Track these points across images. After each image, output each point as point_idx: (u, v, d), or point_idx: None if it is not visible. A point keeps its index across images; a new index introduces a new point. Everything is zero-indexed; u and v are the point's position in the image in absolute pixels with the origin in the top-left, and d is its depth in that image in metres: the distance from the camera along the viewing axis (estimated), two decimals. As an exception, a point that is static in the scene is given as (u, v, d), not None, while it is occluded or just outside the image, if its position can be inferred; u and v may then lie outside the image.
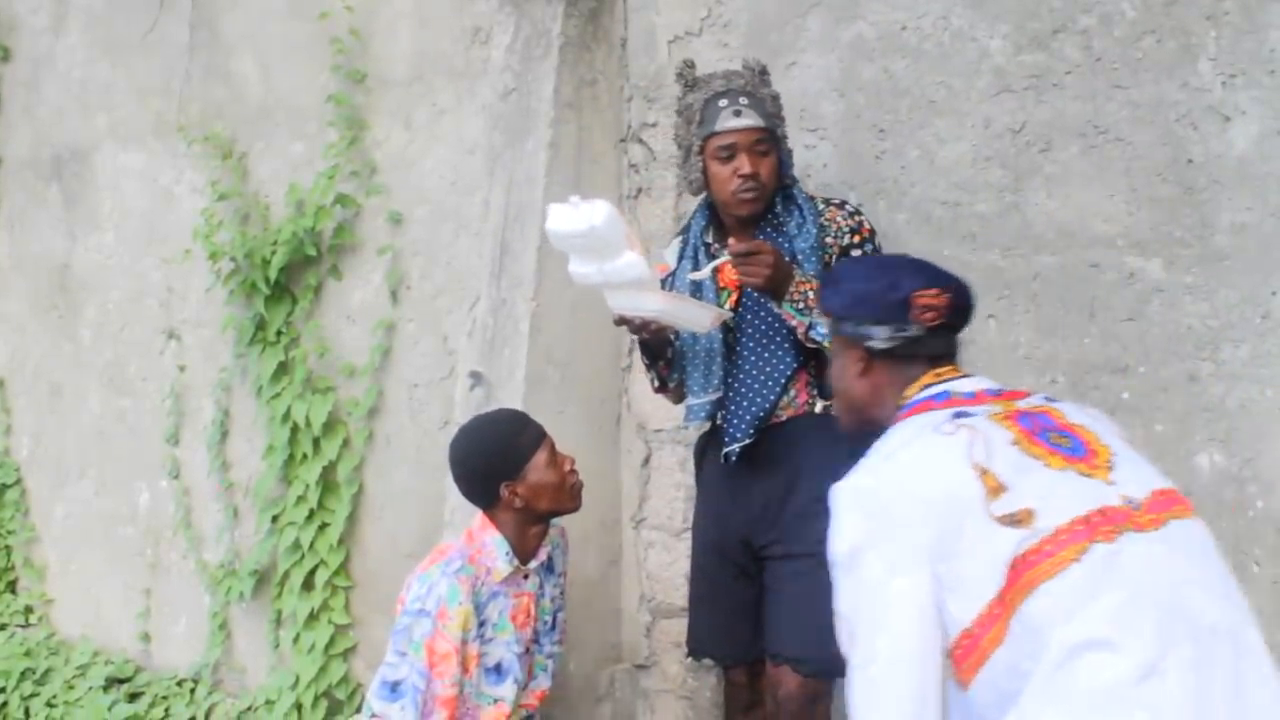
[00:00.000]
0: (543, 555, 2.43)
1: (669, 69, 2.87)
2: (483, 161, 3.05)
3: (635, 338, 2.42)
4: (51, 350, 4.76)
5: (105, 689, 4.18)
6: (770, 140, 2.26)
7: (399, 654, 2.24)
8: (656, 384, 2.45)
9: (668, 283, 2.43)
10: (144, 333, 4.31)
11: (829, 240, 2.27)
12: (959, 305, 1.67)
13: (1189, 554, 1.42)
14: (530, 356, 2.80)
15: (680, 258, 2.42)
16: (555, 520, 2.46)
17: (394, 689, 2.23)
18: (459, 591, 2.24)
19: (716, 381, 2.33)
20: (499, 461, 2.31)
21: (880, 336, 1.64)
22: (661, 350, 2.36)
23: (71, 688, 4.26)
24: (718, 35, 2.81)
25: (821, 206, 2.32)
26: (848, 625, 1.49)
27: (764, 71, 2.32)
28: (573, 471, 2.38)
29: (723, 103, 2.24)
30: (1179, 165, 2.18)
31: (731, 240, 2.21)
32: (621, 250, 2.08)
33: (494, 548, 2.34)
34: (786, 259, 2.19)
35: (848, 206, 2.33)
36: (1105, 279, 2.26)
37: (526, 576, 2.41)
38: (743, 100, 2.23)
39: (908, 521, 1.43)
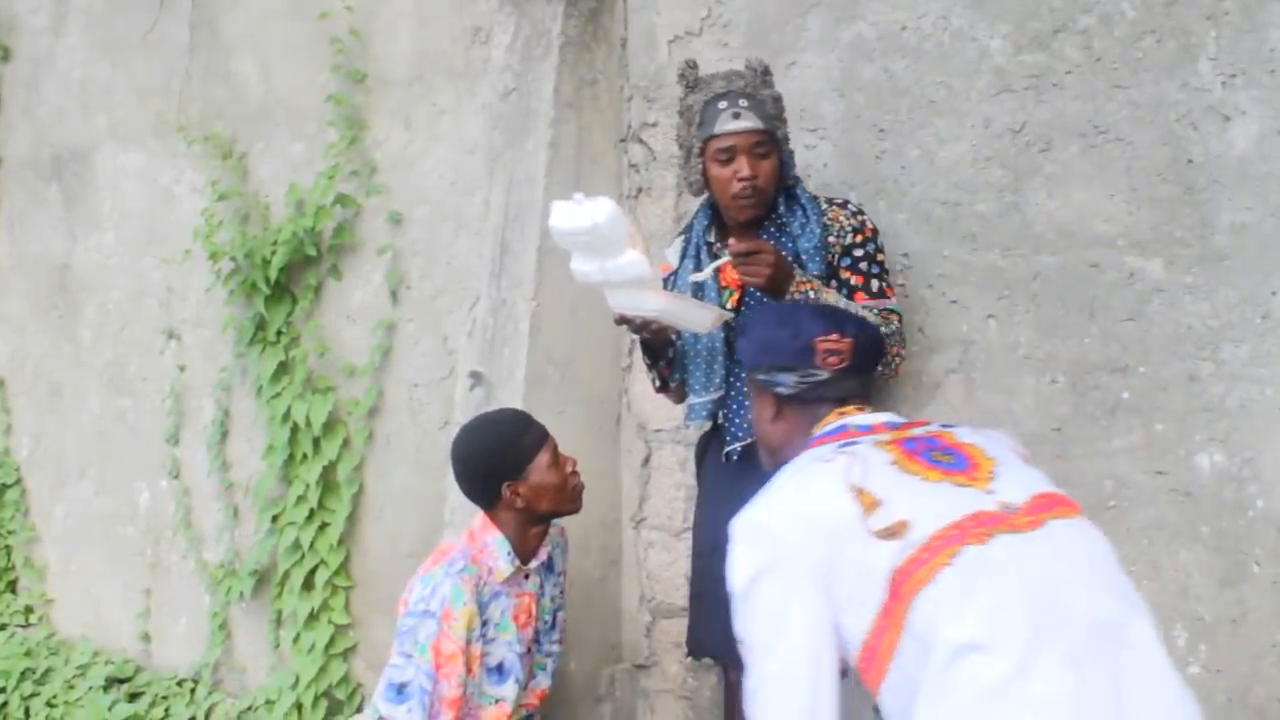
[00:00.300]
0: (543, 555, 2.43)
1: (669, 69, 2.87)
2: (483, 161, 3.05)
3: (636, 338, 2.42)
4: (51, 350, 4.76)
5: (105, 689, 4.18)
6: (770, 142, 2.25)
7: (404, 656, 2.24)
8: (657, 384, 2.45)
9: (670, 282, 2.43)
10: (144, 333, 4.31)
11: (831, 240, 2.27)
12: (862, 348, 1.73)
13: (1068, 552, 1.45)
14: (530, 356, 2.80)
15: (682, 257, 2.42)
16: (555, 520, 2.46)
17: (400, 691, 2.23)
18: (463, 592, 2.24)
19: (718, 381, 2.33)
20: (501, 461, 2.31)
21: (787, 383, 1.71)
22: (663, 350, 2.36)
23: (71, 688, 4.26)
24: (718, 35, 2.81)
25: (825, 206, 2.31)
26: (747, 650, 1.55)
27: (766, 72, 2.30)
28: (574, 473, 2.38)
29: (723, 104, 2.22)
30: (1179, 165, 2.18)
31: (732, 240, 2.21)
32: (624, 248, 2.07)
33: (495, 548, 2.34)
34: (788, 258, 2.19)
35: (850, 206, 2.33)
36: (1105, 279, 2.26)
37: (527, 576, 2.41)
38: (742, 102, 2.21)
39: (796, 548, 1.49)
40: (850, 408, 1.71)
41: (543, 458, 2.32)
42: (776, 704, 1.50)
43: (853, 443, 1.61)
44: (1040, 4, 2.32)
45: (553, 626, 2.55)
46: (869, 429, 1.65)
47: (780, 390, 1.72)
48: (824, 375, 1.70)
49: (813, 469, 1.58)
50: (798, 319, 1.75)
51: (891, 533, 1.44)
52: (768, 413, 1.76)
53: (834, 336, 1.70)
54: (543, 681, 2.55)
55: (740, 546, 1.56)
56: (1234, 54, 2.11)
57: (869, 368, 1.77)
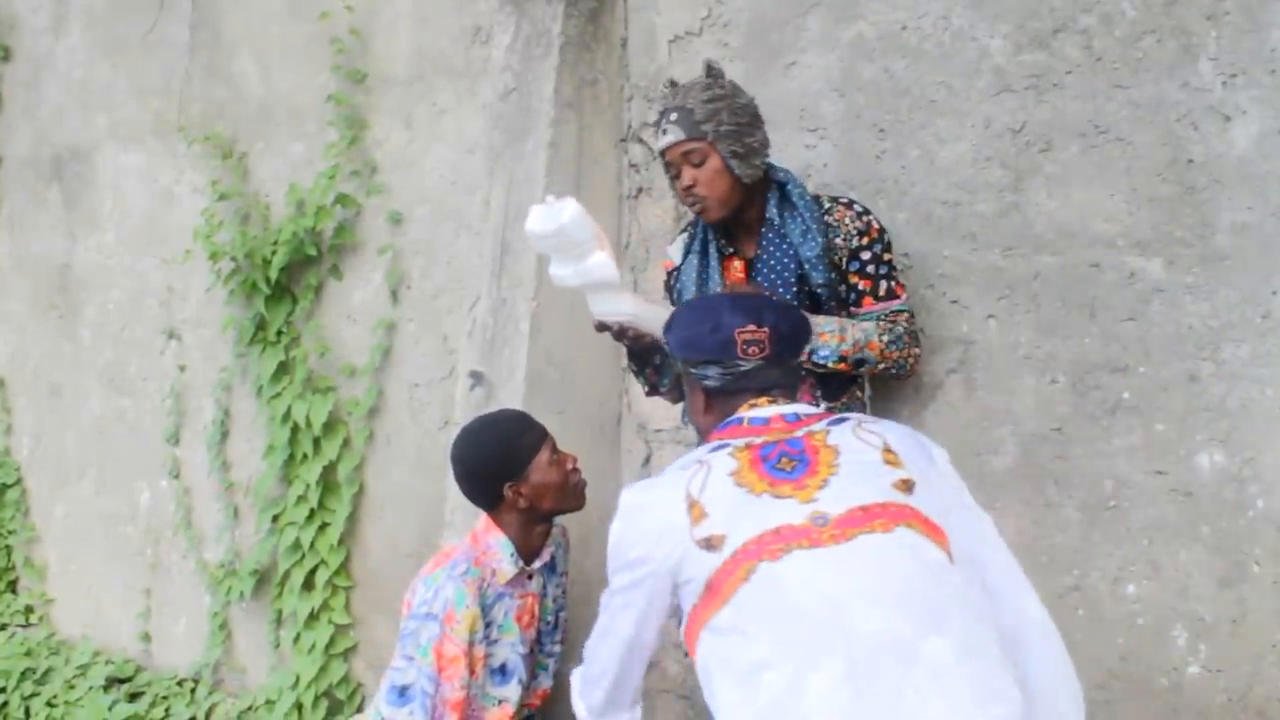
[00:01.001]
0: (546, 555, 2.43)
1: (669, 69, 2.87)
2: (483, 161, 3.05)
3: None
4: (51, 350, 4.77)
5: (105, 689, 4.18)
6: (703, 148, 2.23)
7: (407, 658, 2.24)
8: (647, 388, 2.45)
9: (672, 278, 2.43)
10: (144, 333, 4.31)
11: (839, 242, 2.26)
12: (782, 336, 1.76)
13: (867, 569, 1.48)
14: (530, 356, 2.80)
15: (686, 253, 2.41)
16: (557, 520, 2.46)
17: (402, 694, 2.23)
18: (465, 594, 2.24)
19: None
20: (502, 463, 2.31)
21: (713, 375, 1.75)
22: (648, 356, 2.35)
23: (72, 687, 4.26)
24: (718, 35, 2.81)
25: (828, 205, 2.30)
26: (597, 624, 1.78)
27: (711, 73, 2.29)
28: (575, 470, 2.38)
29: (661, 122, 2.28)
30: (1179, 165, 2.18)
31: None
32: (591, 250, 2.11)
33: (499, 549, 2.34)
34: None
35: (856, 206, 2.31)
36: (1105, 279, 2.26)
37: (531, 577, 2.41)
38: (672, 116, 2.25)
39: (645, 538, 1.64)
40: (763, 400, 1.74)
41: (543, 456, 2.33)
42: (599, 643, 1.78)
43: (724, 445, 1.67)
44: (1040, 4, 2.32)
45: (555, 627, 2.55)
46: (764, 423, 1.69)
47: (708, 383, 1.76)
48: (746, 366, 1.74)
49: (671, 475, 1.68)
50: (717, 312, 1.77)
51: (710, 544, 1.55)
52: (700, 404, 1.80)
53: (751, 327, 1.73)
54: (545, 682, 2.55)
55: (616, 522, 1.71)
56: (1234, 54, 2.11)
57: (792, 355, 1.80)
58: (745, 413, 1.73)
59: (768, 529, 1.52)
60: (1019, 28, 2.35)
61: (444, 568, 2.30)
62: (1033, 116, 2.33)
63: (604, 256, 2.11)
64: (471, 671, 2.26)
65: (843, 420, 1.70)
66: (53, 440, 4.77)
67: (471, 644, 2.25)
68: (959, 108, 2.43)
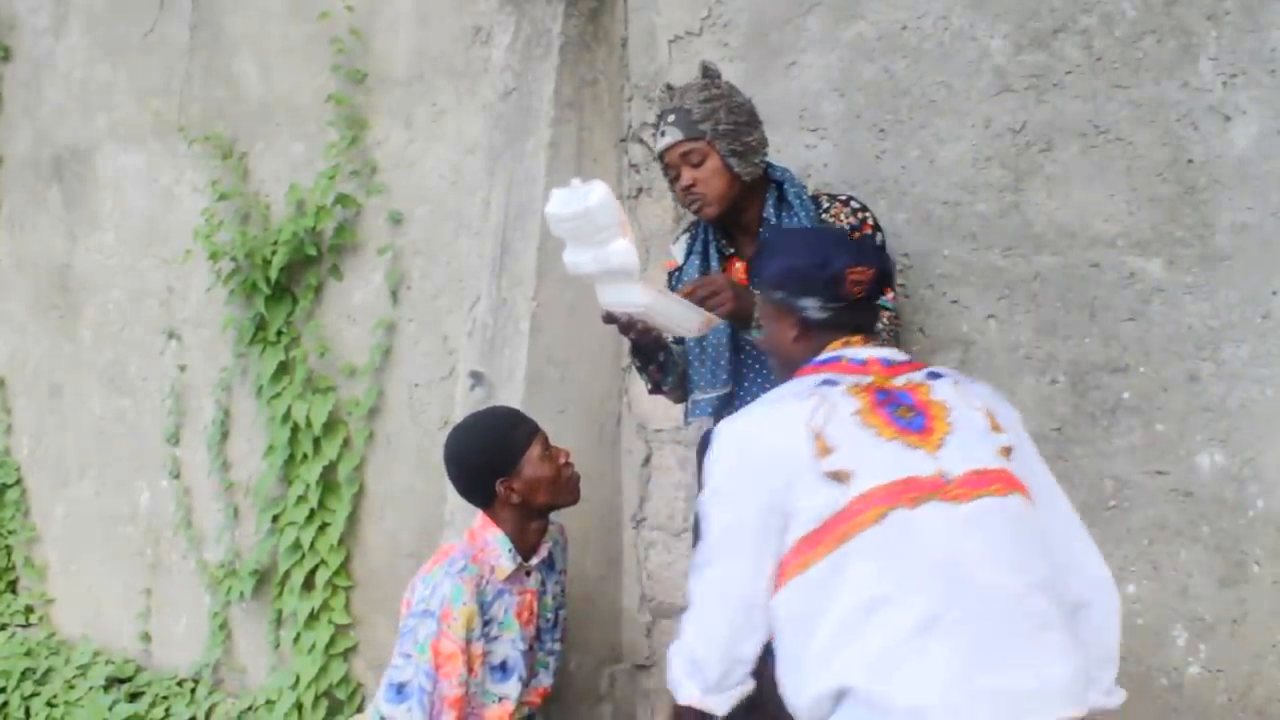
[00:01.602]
0: (544, 552, 2.43)
1: (669, 69, 2.88)
2: (483, 161, 3.05)
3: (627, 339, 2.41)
4: (51, 350, 4.77)
5: (106, 689, 4.18)
6: (702, 148, 2.23)
7: (404, 656, 2.24)
8: (650, 386, 2.45)
9: (674, 278, 2.43)
10: (144, 333, 4.31)
11: None
12: (882, 276, 1.84)
13: (990, 527, 1.59)
14: (530, 356, 2.80)
15: (688, 254, 2.41)
16: (554, 518, 2.46)
17: (400, 691, 2.23)
18: (463, 591, 2.25)
19: (725, 376, 2.32)
20: (493, 459, 2.32)
21: (813, 307, 1.79)
22: (653, 353, 2.35)
23: (72, 687, 4.26)
24: (718, 35, 2.81)
25: (826, 204, 2.30)
26: (701, 533, 1.72)
27: (708, 74, 2.30)
28: (568, 464, 2.38)
29: (659, 123, 2.29)
30: (1179, 165, 2.18)
31: (684, 286, 2.25)
32: (614, 237, 2.07)
33: (496, 545, 2.34)
34: (740, 286, 2.19)
35: (853, 203, 2.31)
36: (1106, 279, 2.26)
37: (529, 574, 2.42)
38: (670, 118, 2.26)
39: (758, 465, 1.65)
40: (857, 337, 1.80)
41: (534, 451, 2.33)
42: (706, 604, 1.69)
43: (834, 381, 1.70)
44: (1040, 4, 2.32)
45: (554, 625, 2.55)
46: (862, 363, 1.74)
47: (807, 314, 1.80)
48: (846, 304, 1.79)
49: (785, 404, 1.70)
50: (825, 249, 1.82)
51: (837, 477, 1.59)
52: (789, 333, 1.83)
53: (860, 268, 1.79)
54: (544, 680, 2.55)
55: (720, 447, 1.71)
56: (1234, 54, 2.11)
57: (879, 296, 1.87)
58: (842, 350, 1.77)
59: (900, 476, 1.58)
60: (1019, 28, 2.35)
61: (442, 565, 2.30)
62: (1033, 116, 2.33)
63: (626, 244, 2.07)
64: (470, 669, 2.26)
65: (937, 375, 1.75)
66: (53, 440, 4.77)
67: (469, 641, 2.25)
68: (959, 108, 2.43)
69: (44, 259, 4.78)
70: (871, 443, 1.62)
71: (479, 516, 2.39)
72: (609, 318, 2.22)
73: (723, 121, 2.23)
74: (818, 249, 1.83)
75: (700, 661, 1.67)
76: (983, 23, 2.40)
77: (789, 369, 1.84)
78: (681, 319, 2.19)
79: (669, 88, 2.34)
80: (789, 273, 1.82)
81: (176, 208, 4.15)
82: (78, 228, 4.61)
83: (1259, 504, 2.11)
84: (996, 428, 1.69)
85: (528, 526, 2.37)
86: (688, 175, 2.25)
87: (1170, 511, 2.19)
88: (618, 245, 2.08)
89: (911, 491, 1.58)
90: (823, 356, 1.78)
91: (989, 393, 1.78)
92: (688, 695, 1.69)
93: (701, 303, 2.15)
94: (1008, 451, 1.68)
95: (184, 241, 3.99)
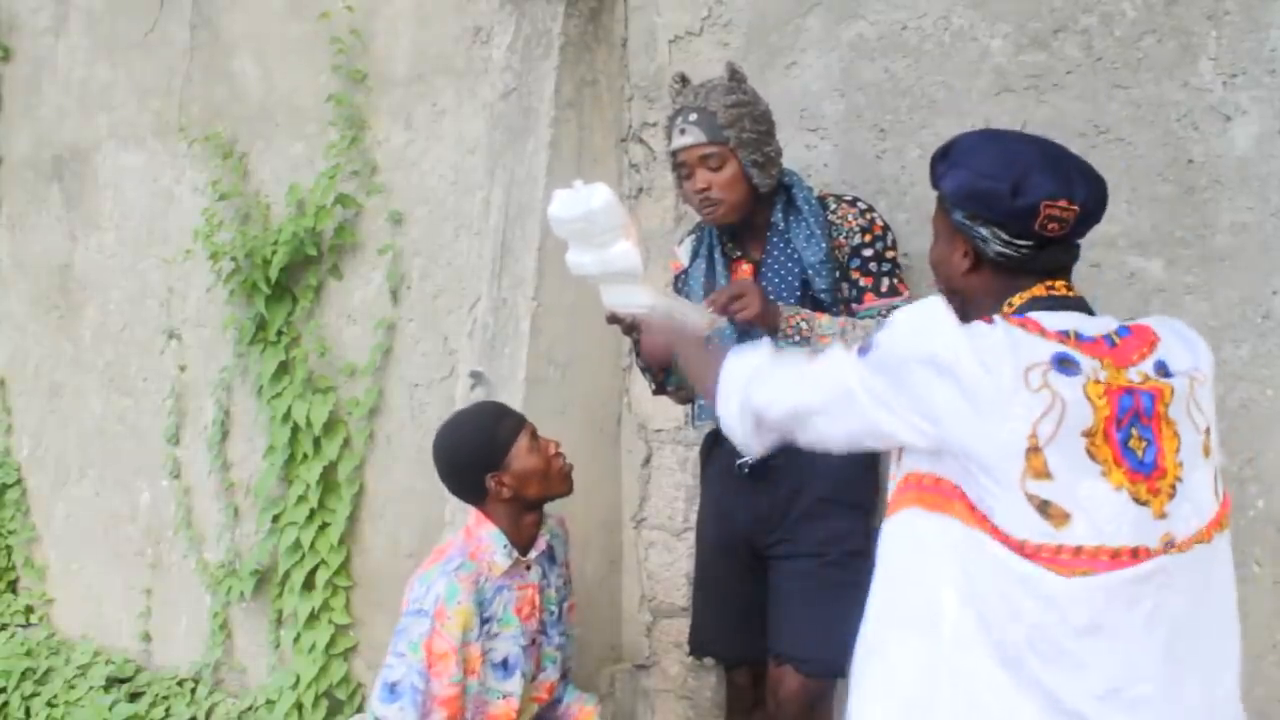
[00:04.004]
0: (542, 545, 2.42)
1: (669, 69, 2.87)
2: (483, 161, 3.05)
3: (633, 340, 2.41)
4: (52, 350, 4.76)
5: (106, 689, 4.18)
6: (723, 153, 2.21)
7: (398, 655, 2.24)
8: (654, 387, 2.45)
9: (679, 280, 2.42)
10: (144, 333, 4.31)
11: (842, 240, 2.26)
12: (1088, 216, 1.48)
13: (1196, 583, 1.44)
14: (531, 356, 2.80)
15: (693, 256, 2.41)
16: (553, 510, 2.45)
17: (393, 690, 2.22)
18: (458, 590, 2.24)
19: None
20: (480, 453, 2.31)
21: (990, 241, 1.49)
22: None
23: (72, 687, 4.26)
24: (718, 35, 2.81)
25: (833, 205, 2.29)
26: (820, 358, 1.55)
27: (734, 77, 2.27)
28: (558, 455, 2.37)
29: (677, 120, 2.24)
30: (1179, 165, 2.18)
31: (712, 296, 2.19)
32: (617, 238, 2.06)
33: (491, 541, 2.33)
34: (769, 297, 2.16)
35: (860, 204, 2.30)
36: (1106, 279, 2.26)
37: (529, 568, 2.41)
38: (692, 116, 2.21)
39: (942, 399, 1.38)
40: (1059, 282, 1.49)
41: (521, 443, 2.32)
42: (799, 378, 1.54)
43: (1069, 359, 1.38)
44: (1040, 4, 2.32)
45: (559, 618, 2.53)
46: (1091, 341, 1.41)
47: (980, 246, 1.50)
48: (1037, 244, 1.47)
49: (1015, 387, 1.36)
50: (1026, 168, 1.46)
51: (1047, 512, 1.35)
52: (962, 263, 1.54)
53: (1062, 202, 1.45)
54: (551, 674, 2.53)
55: (939, 326, 1.42)
56: (1234, 54, 2.11)
57: (1083, 235, 1.52)
58: (1064, 317, 1.44)
59: (1126, 545, 1.36)
60: (1019, 28, 2.35)
61: (438, 564, 2.30)
62: (1033, 116, 2.33)
63: (629, 246, 2.06)
64: (471, 670, 2.26)
65: (1166, 371, 1.43)
66: (53, 440, 4.77)
67: (465, 642, 2.24)
68: (959, 108, 2.43)
69: (44, 259, 4.78)
70: (1096, 485, 1.36)
71: (473, 513, 2.38)
72: (613, 318, 2.22)
73: (747, 130, 2.21)
74: (1012, 166, 1.47)
75: (760, 409, 1.55)
76: (983, 23, 2.40)
77: (953, 296, 1.56)
78: (686, 319, 2.19)
79: (683, 79, 2.30)
80: (969, 192, 1.50)
81: (176, 208, 4.15)
82: (78, 228, 4.61)
83: (1259, 504, 2.11)
84: (1208, 450, 1.45)
85: (522, 520, 2.36)
86: (704, 178, 2.21)
87: (1170, 511, 2.19)
88: (620, 248, 2.07)
89: (1135, 560, 1.36)
90: (1029, 304, 1.47)
91: (1194, 367, 1.46)
92: (724, 411, 1.60)
93: (726, 305, 2.12)
94: (1216, 475, 1.46)
95: (184, 241, 3.99)
